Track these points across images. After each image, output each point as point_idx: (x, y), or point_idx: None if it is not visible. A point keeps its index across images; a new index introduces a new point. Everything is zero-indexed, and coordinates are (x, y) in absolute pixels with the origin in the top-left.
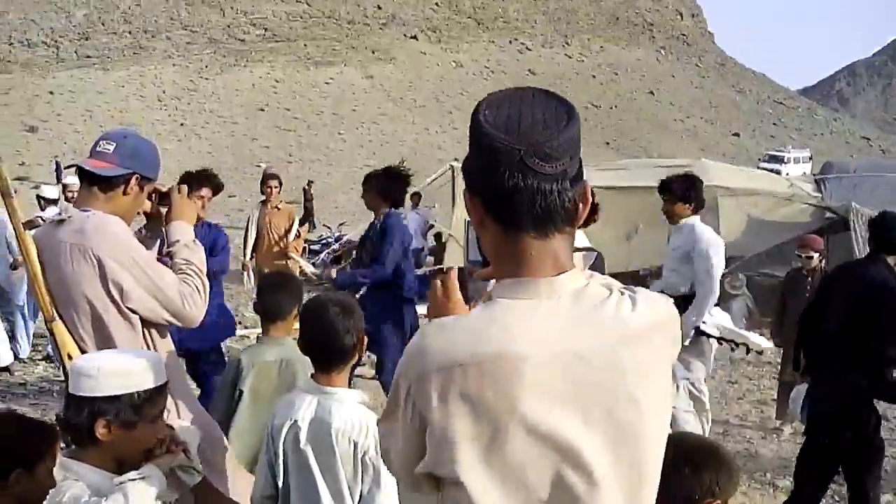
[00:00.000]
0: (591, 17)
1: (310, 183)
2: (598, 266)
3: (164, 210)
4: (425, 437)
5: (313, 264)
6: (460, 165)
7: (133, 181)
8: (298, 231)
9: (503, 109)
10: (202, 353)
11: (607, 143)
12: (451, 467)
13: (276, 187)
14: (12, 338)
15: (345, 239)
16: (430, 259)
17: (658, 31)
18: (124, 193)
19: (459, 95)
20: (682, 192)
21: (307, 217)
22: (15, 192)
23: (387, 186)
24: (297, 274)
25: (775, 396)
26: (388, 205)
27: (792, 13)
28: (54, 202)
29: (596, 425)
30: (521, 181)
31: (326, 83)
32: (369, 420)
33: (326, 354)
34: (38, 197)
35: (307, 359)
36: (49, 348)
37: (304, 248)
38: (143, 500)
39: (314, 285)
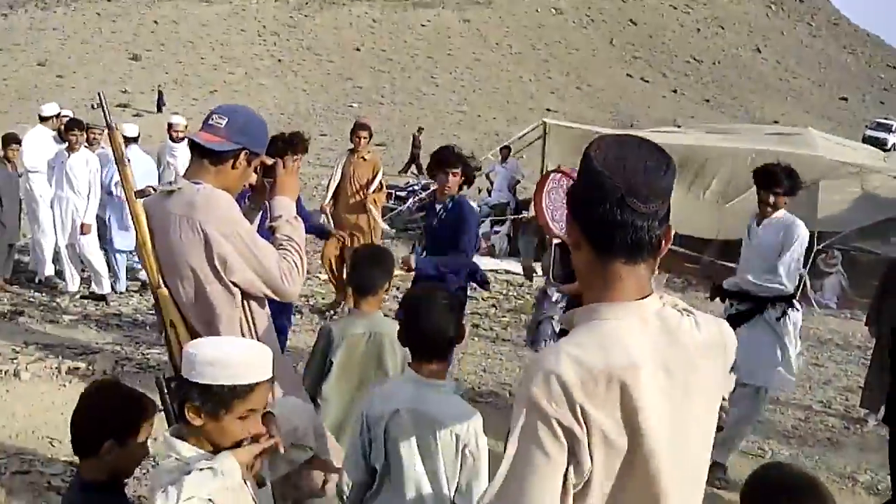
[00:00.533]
0: None
1: (420, 129)
2: None
3: (267, 183)
4: (573, 453)
5: (399, 212)
6: (552, 122)
7: (242, 156)
8: (381, 182)
9: (613, 151)
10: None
11: (707, 101)
12: (607, 452)
13: (365, 137)
14: (110, 270)
15: (432, 187)
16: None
17: None
18: (233, 167)
19: (557, 44)
20: (789, 188)
21: (412, 162)
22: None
23: (467, 169)
24: (372, 224)
25: (862, 384)
26: (461, 187)
27: None
28: (135, 140)
29: (686, 410)
30: (619, 215)
31: (423, 25)
32: (469, 412)
33: (431, 346)
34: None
35: (395, 332)
36: (143, 276)
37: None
38: (197, 491)
39: (383, 239)
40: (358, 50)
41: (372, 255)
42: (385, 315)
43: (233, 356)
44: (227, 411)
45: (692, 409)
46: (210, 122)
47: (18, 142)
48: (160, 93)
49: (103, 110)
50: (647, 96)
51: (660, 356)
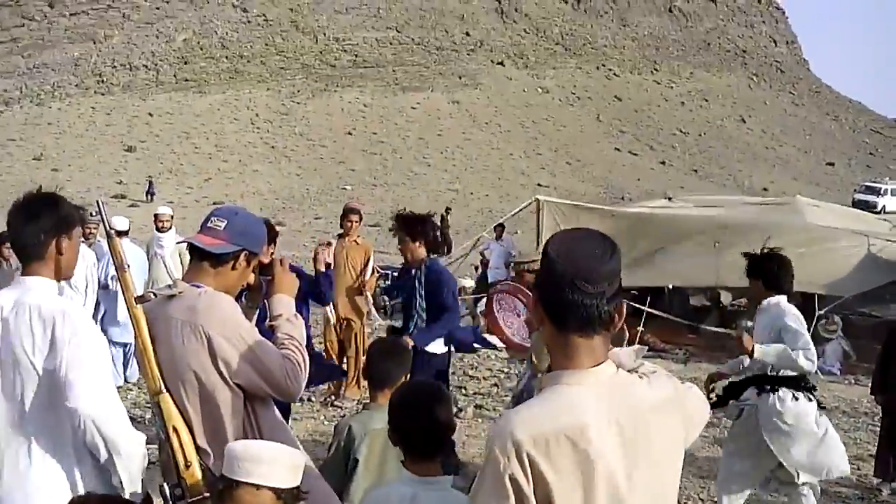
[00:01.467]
0: (680, 43)
1: (448, 210)
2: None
3: (263, 281)
4: (520, 496)
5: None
6: (545, 199)
7: (242, 257)
8: (375, 268)
9: (565, 243)
10: None
11: (695, 171)
12: None
13: (356, 221)
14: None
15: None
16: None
17: (751, 58)
18: (233, 269)
19: (545, 121)
20: (771, 277)
21: (443, 242)
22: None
23: (434, 238)
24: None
25: (873, 452)
26: (430, 252)
27: (891, 41)
28: (125, 233)
29: (640, 464)
30: (570, 296)
31: (413, 108)
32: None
33: (423, 444)
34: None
35: None
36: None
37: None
38: None
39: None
40: (350, 134)
41: (387, 349)
42: None
43: (238, 450)
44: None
45: (648, 459)
46: (209, 224)
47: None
48: (150, 182)
49: (102, 218)
50: (636, 169)
51: (613, 414)
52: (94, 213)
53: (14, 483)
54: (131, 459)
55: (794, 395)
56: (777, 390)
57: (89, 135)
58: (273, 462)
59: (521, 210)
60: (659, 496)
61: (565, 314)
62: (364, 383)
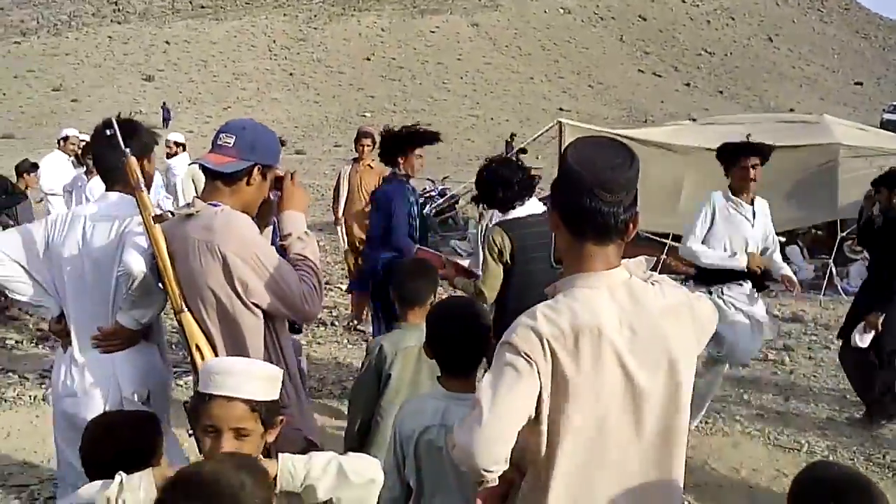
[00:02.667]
0: None
1: (512, 136)
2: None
3: (274, 196)
4: (541, 388)
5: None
6: (567, 122)
7: (255, 172)
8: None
9: (586, 150)
10: None
11: (720, 92)
12: (570, 398)
13: (368, 145)
14: None
15: (449, 193)
16: None
17: None
18: (247, 184)
19: (567, 43)
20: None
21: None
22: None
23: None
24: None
25: None
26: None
27: None
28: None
29: (649, 365)
30: (587, 204)
31: (432, 32)
32: None
33: (460, 360)
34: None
35: None
36: None
37: None
38: (85, 493)
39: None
40: (368, 59)
41: (416, 268)
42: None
43: (210, 364)
44: (196, 423)
45: (661, 360)
46: (218, 142)
47: (34, 168)
48: (165, 108)
49: (116, 137)
50: (660, 91)
51: (626, 317)
52: (109, 132)
53: (92, 367)
54: (149, 312)
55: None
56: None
57: (107, 64)
58: (244, 374)
59: (542, 134)
60: (673, 396)
61: (582, 222)
62: None
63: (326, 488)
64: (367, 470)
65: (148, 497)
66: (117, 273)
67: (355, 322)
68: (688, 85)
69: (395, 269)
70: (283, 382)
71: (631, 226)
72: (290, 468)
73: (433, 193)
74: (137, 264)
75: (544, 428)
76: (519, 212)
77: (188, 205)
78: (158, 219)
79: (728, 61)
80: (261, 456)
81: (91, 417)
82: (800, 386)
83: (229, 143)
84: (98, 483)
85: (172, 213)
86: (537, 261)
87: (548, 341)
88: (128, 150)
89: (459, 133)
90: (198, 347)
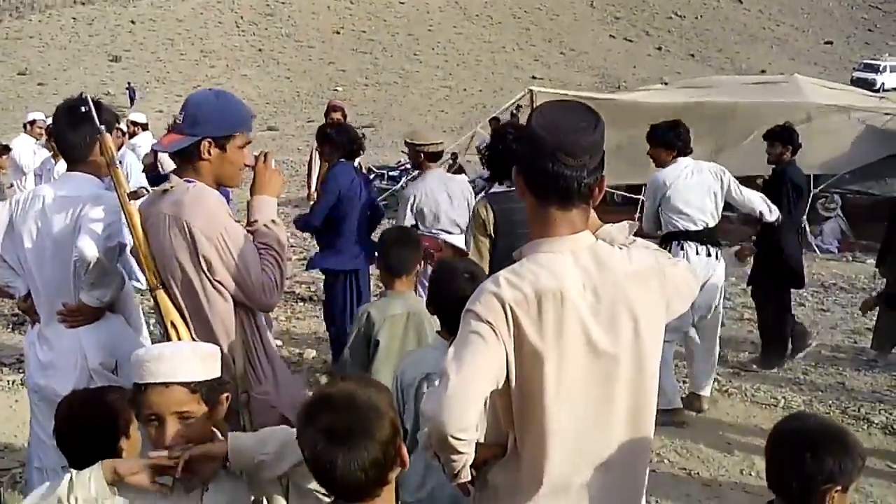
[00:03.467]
0: None
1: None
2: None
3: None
4: (507, 353)
5: (392, 192)
6: (538, 89)
7: (204, 145)
8: (359, 163)
9: (550, 114)
10: None
11: (692, 56)
12: (535, 362)
13: (338, 118)
14: None
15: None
16: None
17: None
18: (201, 159)
19: (538, 10)
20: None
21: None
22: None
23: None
24: None
25: (870, 326)
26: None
27: None
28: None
29: (614, 329)
30: (550, 168)
31: (401, 3)
32: None
33: (457, 314)
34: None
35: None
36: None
37: (382, 175)
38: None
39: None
40: (338, 33)
41: (401, 238)
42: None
43: (140, 354)
44: (139, 415)
45: (622, 327)
46: (175, 121)
47: (5, 150)
48: (130, 88)
49: (91, 113)
50: (632, 56)
51: (590, 281)
52: (84, 109)
53: (59, 340)
54: (105, 293)
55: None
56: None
57: (73, 46)
58: (177, 357)
59: (514, 103)
60: (639, 360)
61: (545, 186)
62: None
63: (281, 464)
64: None
65: (99, 492)
66: (73, 257)
67: None
68: (659, 49)
69: (381, 239)
70: (259, 361)
71: (597, 190)
72: (239, 447)
73: (408, 166)
74: (90, 249)
75: (514, 393)
76: (502, 186)
77: (167, 181)
78: (134, 195)
79: (699, 24)
80: (216, 432)
81: (60, 390)
82: None
83: (179, 121)
84: (45, 485)
85: (147, 190)
86: (523, 237)
87: (510, 307)
88: (102, 126)
89: (432, 105)
90: (173, 325)
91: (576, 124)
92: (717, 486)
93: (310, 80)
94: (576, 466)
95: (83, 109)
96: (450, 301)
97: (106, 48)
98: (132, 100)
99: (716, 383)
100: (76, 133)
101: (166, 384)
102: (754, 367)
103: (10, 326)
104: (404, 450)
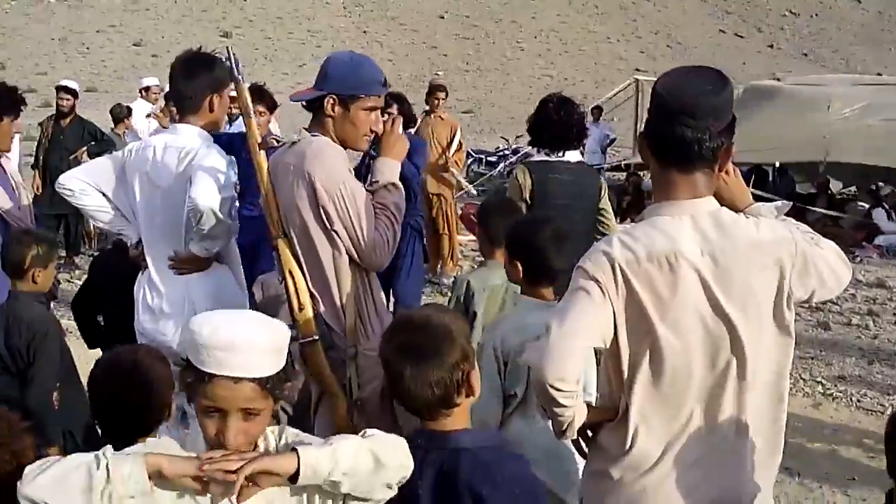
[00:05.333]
0: None
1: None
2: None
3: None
4: (613, 313)
5: (490, 176)
6: (645, 78)
7: (328, 102)
8: (460, 142)
9: (676, 76)
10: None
11: (805, 55)
12: (646, 325)
13: (442, 98)
14: None
15: (523, 151)
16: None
17: None
18: (326, 115)
19: (645, 2)
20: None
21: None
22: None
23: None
24: (453, 183)
25: None
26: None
27: None
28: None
29: (731, 297)
30: (670, 129)
31: None
32: None
33: (540, 274)
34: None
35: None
36: None
37: (480, 160)
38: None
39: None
40: (442, 18)
41: (502, 207)
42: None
43: (205, 336)
44: (192, 398)
45: (744, 298)
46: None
47: (129, 112)
48: (232, 57)
49: (231, 65)
50: (742, 52)
51: (708, 246)
52: (224, 60)
53: (167, 286)
54: (217, 243)
55: None
56: None
57: (186, 20)
58: (250, 349)
59: (619, 91)
60: (759, 336)
61: (665, 147)
62: (459, 257)
63: (356, 481)
64: (398, 452)
65: (137, 490)
66: (187, 207)
67: (429, 275)
68: (771, 46)
69: (482, 208)
70: (369, 317)
71: (723, 155)
72: (312, 464)
73: (507, 152)
74: (203, 199)
75: (623, 356)
76: (551, 156)
77: (297, 133)
78: (263, 145)
79: (813, 23)
80: (270, 436)
81: (167, 334)
82: (884, 351)
83: (315, 77)
84: (73, 461)
85: (277, 141)
86: (560, 207)
87: (620, 266)
88: (240, 76)
89: (533, 93)
90: (291, 274)
91: (701, 86)
92: (817, 489)
93: (412, 64)
94: (683, 433)
95: (224, 59)
96: (534, 261)
97: (217, 24)
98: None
99: (819, 387)
100: (190, 84)
101: (237, 379)
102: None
103: None
104: (474, 378)
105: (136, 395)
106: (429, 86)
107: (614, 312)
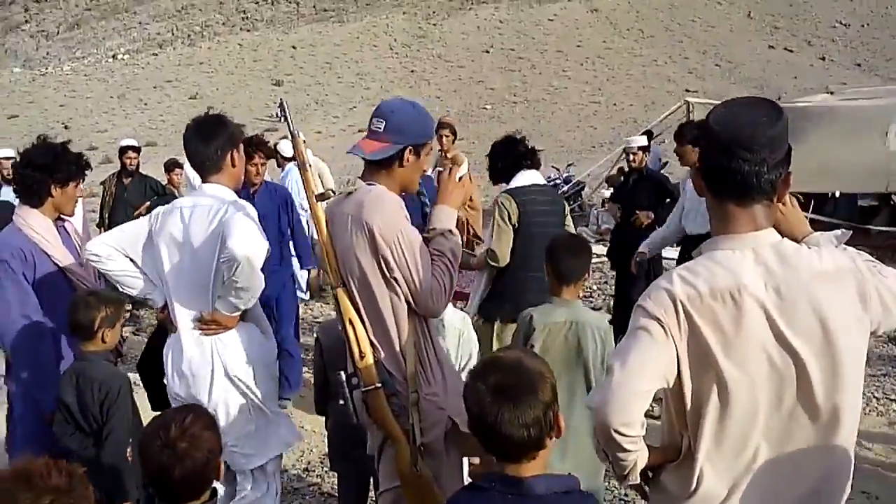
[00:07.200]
0: None
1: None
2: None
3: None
4: (676, 352)
5: None
6: (695, 100)
7: (407, 153)
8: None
9: (730, 110)
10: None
11: (858, 65)
12: (710, 362)
13: (447, 136)
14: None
15: (574, 180)
16: None
17: None
18: (400, 166)
19: (691, 22)
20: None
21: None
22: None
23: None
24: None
25: None
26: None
27: None
28: (291, 159)
29: (797, 330)
30: (726, 163)
31: (550, 20)
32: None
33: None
34: (277, 153)
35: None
36: None
37: None
38: None
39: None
40: (487, 52)
41: (572, 244)
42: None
43: None
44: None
45: (812, 331)
46: (372, 126)
47: (180, 165)
48: (282, 104)
49: (285, 117)
50: (793, 67)
51: (772, 280)
52: (277, 115)
53: (194, 348)
54: (249, 296)
55: None
56: None
57: (239, 71)
58: None
59: (670, 114)
60: (831, 370)
61: (721, 181)
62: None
63: None
64: None
65: None
66: (220, 259)
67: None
68: (822, 59)
69: (552, 245)
70: (429, 363)
71: (781, 185)
72: None
73: (558, 181)
74: (241, 248)
75: (687, 395)
76: (521, 181)
77: (351, 184)
78: (321, 197)
79: (865, 33)
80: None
81: (200, 397)
82: None
83: (380, 129)
84: None
85: (334, 192)
86: (539, 225)
87: (682, 303)
88: (296, 130)
89: (581, 121)
90: (351, 322)
91: (755, 118)
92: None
93: (459, 100)
94: (748, 472)
95: (277, 113)
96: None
97: (269, 73)
98: (284, 116)
99: (893, 405)
100: (208, 145)
101: None
102: None
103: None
104: (562, 418)
105: (185, 467)
106: (437, 123)
107: (677, 351)
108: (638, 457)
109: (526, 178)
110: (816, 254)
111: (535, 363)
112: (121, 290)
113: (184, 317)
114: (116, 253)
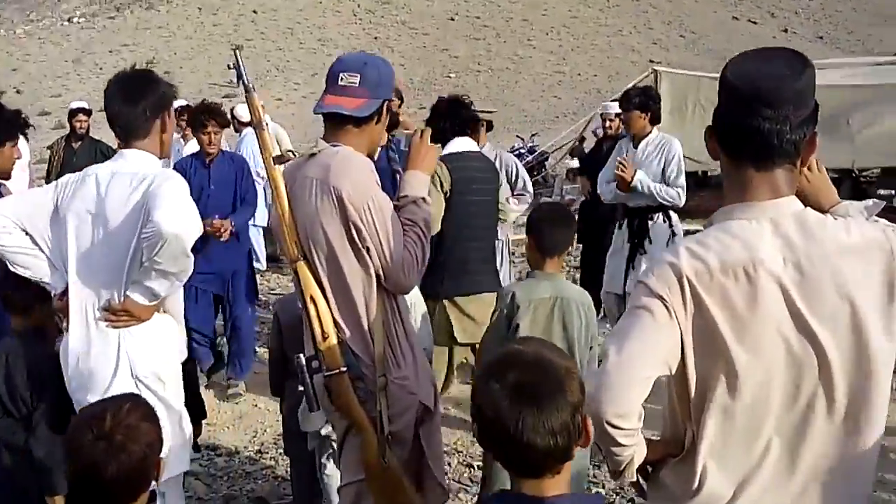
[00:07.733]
0: None
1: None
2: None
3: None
4: (681, 334)
5: None
6: (663, 69)
7: (384, 109)
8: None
9: (748, 63)
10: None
11: (820, 38)
12: (719, 347)
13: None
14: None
15: (539, 150)
16: None
17: None
18: (377, 123)
19: None
20: (641, 105)
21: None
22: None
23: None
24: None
25: None
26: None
27: None
28: (248, 124)
29: (819, 313)
30: (746, 121)
31: None
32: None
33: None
34: (234, 118)
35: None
36: None
37: None
38: None
39: None
40: (452, 20)
41: (556, 214)
42: None
43: None
44: None
45: (836, 312)
46: (341, 82)
47: None
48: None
49: (239, 70)
50: (757, 39)
51: (792, 254)
52: (230, 66)
53: (98, 344)
54: (171, 282)
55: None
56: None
57: (198, 36)
58: None
59: (637, 83)
60: (858, 356)
61: (740, 141)
62: None
63: None
64: None
65: None
66: (143, 236)
67: None
68: (785, 31)
69: (532, 216)
70: (399, 344)
71: (807, 147)
72: None
73: (522, 150)
74: (169, 224)
75: (692, 381)
76: (455, 147)
77: (313, 146)
78: (279, 160)
79: (827, 5)
80: None
81: (93, 399)
82: None
83: (354, 83)
84: None
85: (294, 154)
86: (476, 192)
87: (688, 279)
88: (251, 85)
89: (545, 90)
90: (312, 299)
91: (777, 71)
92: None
93: (423, 67)
94: (759, 470)
95: (230, 66)
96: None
97: (229, 37)
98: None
99: None
100: (135, 106)
101: None
102: None
103: None
104: (590, 422)
105: (121, 462)
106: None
107: (682, 334)
108: (635, 452)
109: (460, 144)
110: (844, 226)
111: (559, 357)
112: (12, 269)
113: (88, 304)
114: (12, 225)
